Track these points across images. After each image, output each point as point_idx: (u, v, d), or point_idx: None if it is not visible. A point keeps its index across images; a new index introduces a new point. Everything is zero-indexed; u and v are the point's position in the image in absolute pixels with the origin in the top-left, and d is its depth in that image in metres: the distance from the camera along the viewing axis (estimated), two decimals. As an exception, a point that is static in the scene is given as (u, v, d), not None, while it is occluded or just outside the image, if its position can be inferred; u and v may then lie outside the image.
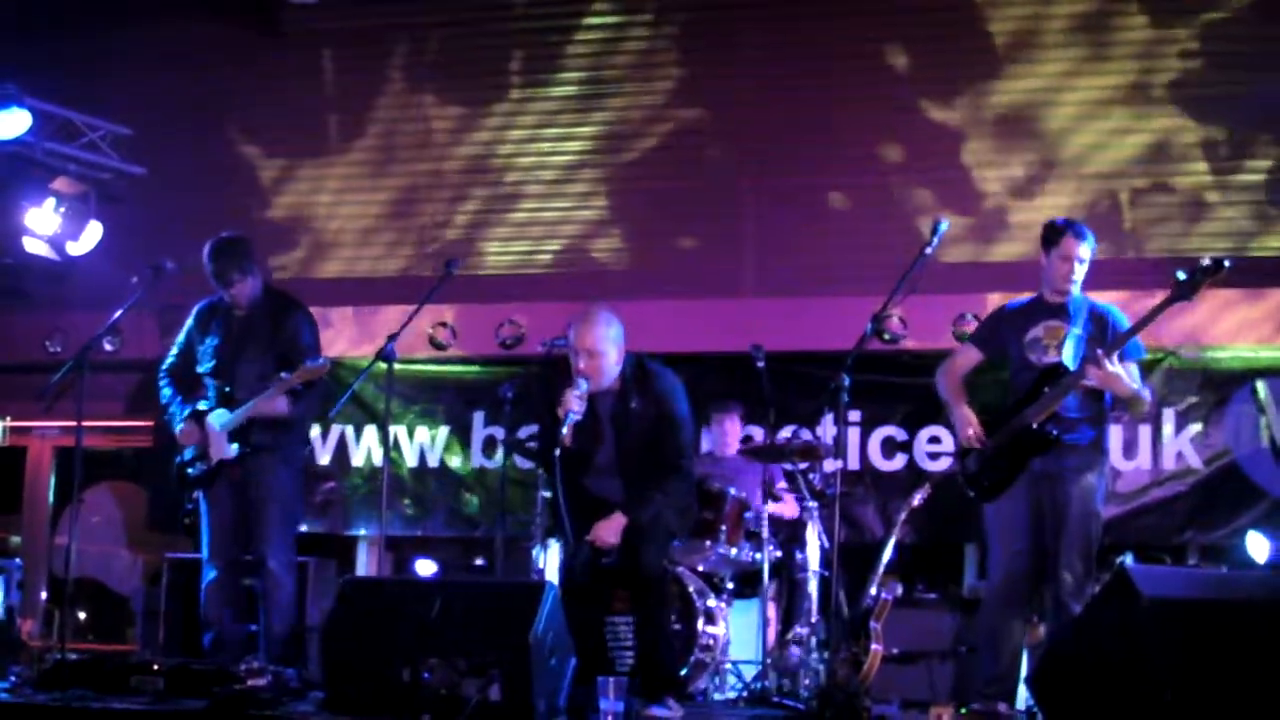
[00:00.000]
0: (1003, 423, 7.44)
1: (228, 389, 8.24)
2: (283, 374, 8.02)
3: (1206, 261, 6.84)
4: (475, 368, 10.69)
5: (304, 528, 10.56)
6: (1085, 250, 7.44)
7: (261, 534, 8.16)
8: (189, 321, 8.53)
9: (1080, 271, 7.45)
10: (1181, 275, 6.90)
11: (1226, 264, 6.82)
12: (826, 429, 9.02)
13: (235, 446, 8.16)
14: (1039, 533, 7.35)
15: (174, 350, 8.54)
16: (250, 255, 8.36)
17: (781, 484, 9.01)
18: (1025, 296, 7.72)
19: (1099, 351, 7.14)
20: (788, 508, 8.98)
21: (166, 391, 8.47)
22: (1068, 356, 7.31)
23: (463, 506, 10.51)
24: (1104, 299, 7.57)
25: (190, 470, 8.30)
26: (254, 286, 8.35)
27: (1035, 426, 7.26)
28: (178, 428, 8.35)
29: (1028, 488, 7.37)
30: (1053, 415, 7.24)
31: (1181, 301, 7.01)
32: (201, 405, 8.32)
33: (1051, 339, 7.44)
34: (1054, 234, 7.53)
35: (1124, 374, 7.23)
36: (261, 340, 8.29)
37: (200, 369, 8.39)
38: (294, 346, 8.24)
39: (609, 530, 7.05)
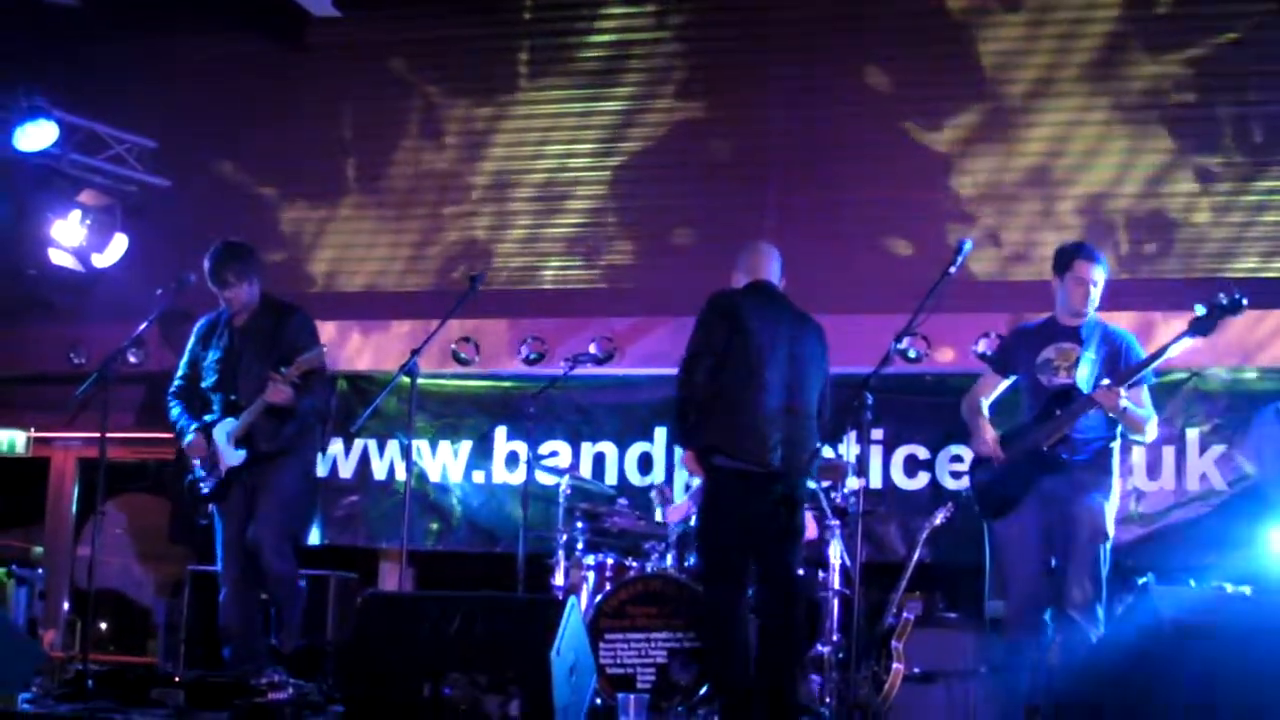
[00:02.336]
0: (1014, 442, 7.50)
1: (233, 397, 8.32)
2: (281, 369, 8.08)
3: (1224, 300, 6.92)
4: (498, 383, 10.69)
5: (326, 541, 10.61)
6: (1099, 273, 7.62)
7: (258, 521, 8.20)
8: (191, 340, 8.61)
9: (1095, 294, 7.57)
10: (1200, 310, 6.99)
11: (1244, 303, 6.90)
12: (849, 447, 9.00)
13: (242, 452, 8.22)
14: (1049, 553, 7.42)
15: (180, 372, 8.62)
16: (249, 262, 8.44)
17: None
18: (1040, 317, 7.81)
19: (1110, 382, 7.22)
20: (808, 529, 8.95)
21: (175, 411, 8.55)
22: (1081, 379, 7.43)
23: (511, 516, 10.40)
24: (1115, 319, 7.60)
25: (202, 487, 8.36)
26: (250, 293, 8.43)
27: (1046, 449, 7.34)
28: (187, 440, 8.40)
29: (1037, 509, 7.48)
30: (1063, 438, 7.30)
31: (1199, 337, 7.07)
32: (208, 419, 8.37)
33: (1063, 361, 7.55)
34: (1066, 258, 7.69)
35: (1133, 405, 7.37)
36: (261, 347, 8.35)
37: (204, 384, 8.45)
38: (294, 350, 8.28)
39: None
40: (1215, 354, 9.44)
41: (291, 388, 8.13)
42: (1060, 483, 7.38)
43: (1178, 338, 7.19)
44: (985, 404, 7.88)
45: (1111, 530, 7.48)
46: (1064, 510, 7.41)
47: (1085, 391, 7.39)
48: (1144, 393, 7.56)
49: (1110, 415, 7.37)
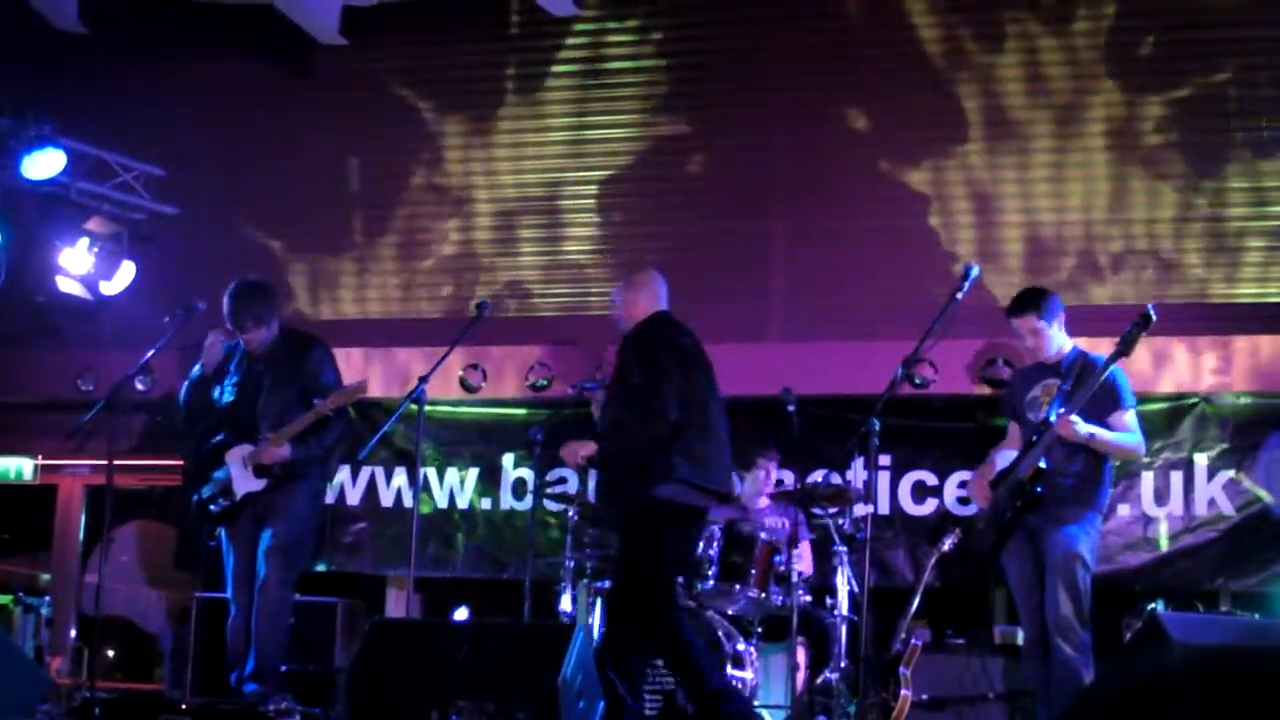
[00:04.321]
0: (1004, 481, 7.57)
1: (247, 425, 8.29)
2: (315, 400, 8.10)
3: (1139, 320, 7.08)
4: (505, 410, 10.68)
5: (333, 568, 10.60)
6: (1032, 323, 7.74)
7: (266, 551, 8.17)
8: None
9: (1041, 340, 7.76)
10: (1126, 328, 7.13)
11: (1152, 314, 7.09)
12: (857, 473, 9.00)
13: (263, 481, 8.20)
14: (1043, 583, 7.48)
15: (184, 391, 8.62)
16: (269, 304, 8.44)
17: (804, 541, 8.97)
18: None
19: (1062, 410, 7.31)
20: (804, 563, 8.88)
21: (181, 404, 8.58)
22: (1054, 412, 7.44)
23: (518, 543, 10.36)
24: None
25: (212, 507, 8.33)
26: (269, 334, 8.41)
27: (1023, 482, 7.38)
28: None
29: (1026, 541, 7.56)
30: (1041, 471, 7.35)
31: (1123, 358, 7.26)
32: (218, 439, 8.37)
33: (1046, 396, 7.68)
34: (1006, 313, 7.91)
35: (1102, 431, 7.43)
36: (282, 378, 8.35)
37: (220, 405, 8.44)
38: (316, 384, 8.30)
39: (570, 451, 7.65)
40: (1224, 379, 9.45)
41: (292, 441, 8.16)
42: (1041, 515, 7.45)
43: (1107, 362, 7.29)
44: (1009, 455, 7.85)
45: (1089, 555, 7.47)
46: (1043, 538, 7.49)
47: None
48: (1127, 416, 7.61)
49: (1073, 440, 7.40)
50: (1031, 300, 7.78)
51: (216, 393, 8.49)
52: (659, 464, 7.36)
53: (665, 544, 7.51)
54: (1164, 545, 9.36)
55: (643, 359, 7.54)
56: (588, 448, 7.54)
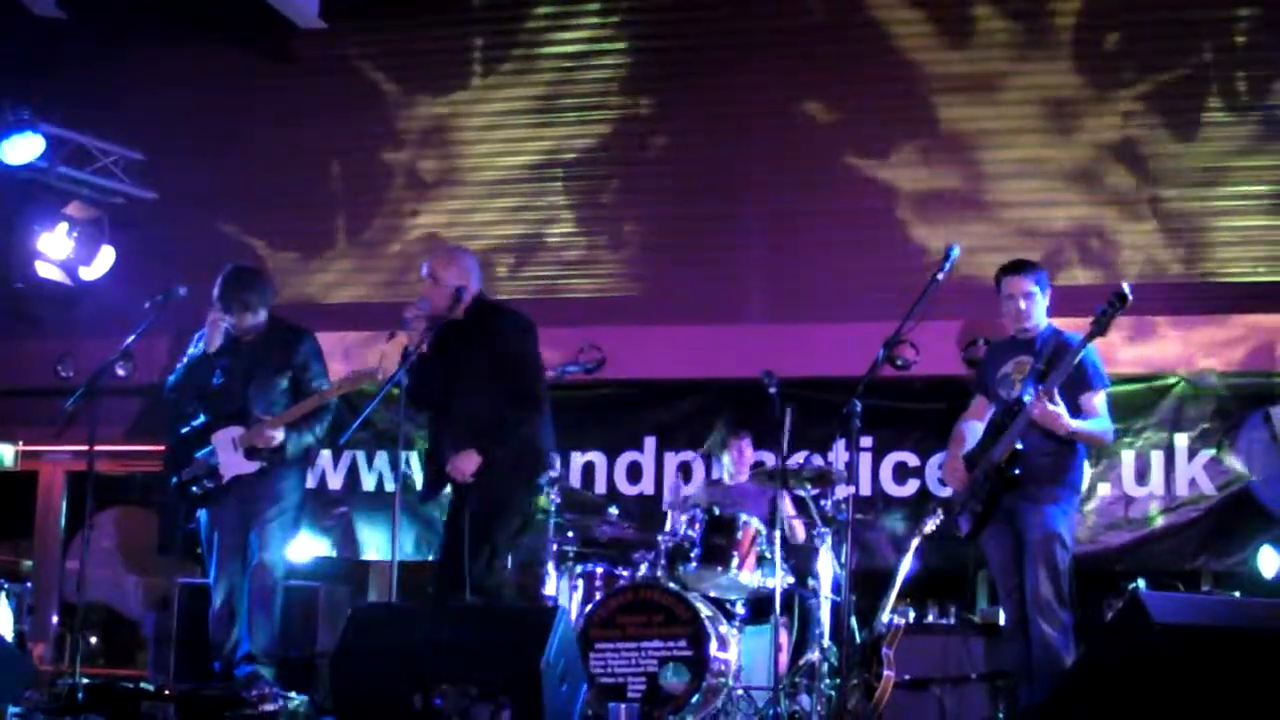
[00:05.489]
0: (978, 460, 7.51)
1: (240, 406, 8.27)
2: (323, 385, 8.11)
3: (1113, 299, 7.02)
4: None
5: (315, 552, 10.58)
6: (1027, 285, 7.61)
7: (259, 533, 8.16)
8: (198, 342, 8.57)
9: (1030, 305, 7.61)
10: (1100, 307, 7.06)
11: (1127, 293, 7.00)
12: (839, 455, 9.00)
13: (255, 463, 8.18)
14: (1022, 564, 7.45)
15: (180, 369, 8.59)
16: (259, 290, 8.40)
17: (791, 513, 8.98)
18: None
19: (1037, 391, 7.23)
20: (799, 535, 8.95)
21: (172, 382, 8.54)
22: (1028, 393, 7.35)
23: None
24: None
25: (195, 489, 8.29)
26: (257, 319, 8.37)
27: (999, 465, 7.32)
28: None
29: (1005, 524, 7.50)
30: (1016, 453, 7.28)
31: (1098, 338, 7.19)
32: (200, 421, 8.34)
33: (1018, 374, 7.56)
34: (997, 276, 7.76)
35: (1079, 425, 7.35)
36: (271, 366, 8.33)
37: (212, 385, 8.41)
38: (305, 374, 8.29)
39: (459, 471, 7.53)
40: (1205, 359, 9.47)
41: (283, 429, 8.15)
42: (1017, 497, 7.39)
43: (1082, 342, 7.21)
44: (976, 427, 7.79)
45: (1067, 535, 7.44)
46: (1020, 520, 7.44)
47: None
48: (1097, 398, 7.52)
49: (1042, 423, 7.29)
50: (1027, 263, 7.75)
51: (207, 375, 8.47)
52: (540, 459, 7.67)
53: (525, 532, 7.92)
54: (1146, 525, 9.39)
55: (518, 353, 7.65)
56: (472, 461, 7.51)
